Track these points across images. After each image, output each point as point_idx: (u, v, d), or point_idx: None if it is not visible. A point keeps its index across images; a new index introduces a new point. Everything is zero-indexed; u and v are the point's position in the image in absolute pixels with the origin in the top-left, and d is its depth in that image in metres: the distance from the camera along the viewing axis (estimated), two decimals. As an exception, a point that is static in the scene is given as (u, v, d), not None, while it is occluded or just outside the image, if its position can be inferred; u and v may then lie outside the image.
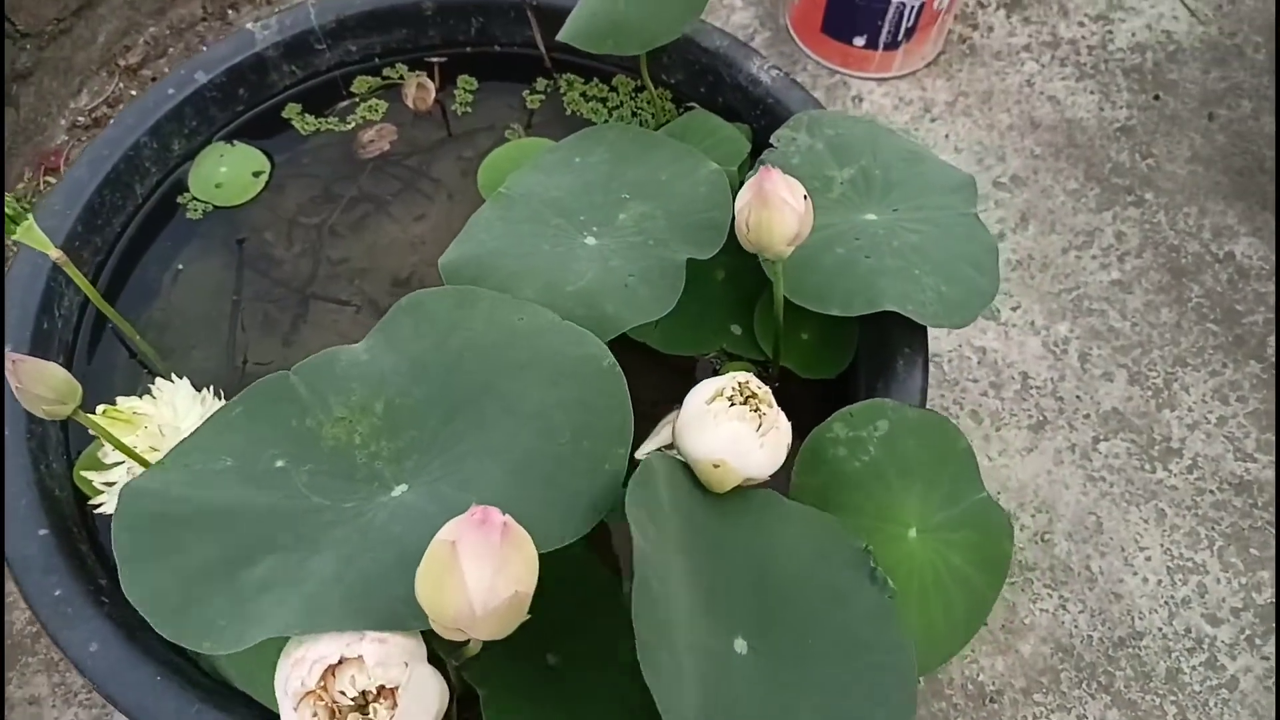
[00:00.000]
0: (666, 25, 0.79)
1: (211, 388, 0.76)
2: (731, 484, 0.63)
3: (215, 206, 0.93)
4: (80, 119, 1.48)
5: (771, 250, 0.66)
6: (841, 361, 0.84)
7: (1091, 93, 1.55)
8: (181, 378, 0.74)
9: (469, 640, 0.51)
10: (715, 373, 0.86)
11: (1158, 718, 1.10)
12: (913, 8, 1.42)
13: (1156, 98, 1.54)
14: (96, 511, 0.72)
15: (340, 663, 0.46)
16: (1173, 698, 1.11)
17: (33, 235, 0.68)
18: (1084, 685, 1.12)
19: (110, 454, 0.73)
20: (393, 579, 0.52)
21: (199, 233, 0.92)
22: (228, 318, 0.89)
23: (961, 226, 0.82)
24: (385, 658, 0.47)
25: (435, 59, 0.99)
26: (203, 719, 0.64)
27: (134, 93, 1.52)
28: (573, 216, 0.78)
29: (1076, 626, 1.15)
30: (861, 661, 0.61)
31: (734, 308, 0.86)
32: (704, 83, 0.96)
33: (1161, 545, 1.20)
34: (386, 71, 1.00)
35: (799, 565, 0.63)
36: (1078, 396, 1.30)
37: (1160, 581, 1.18)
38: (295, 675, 0.46)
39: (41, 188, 1.43)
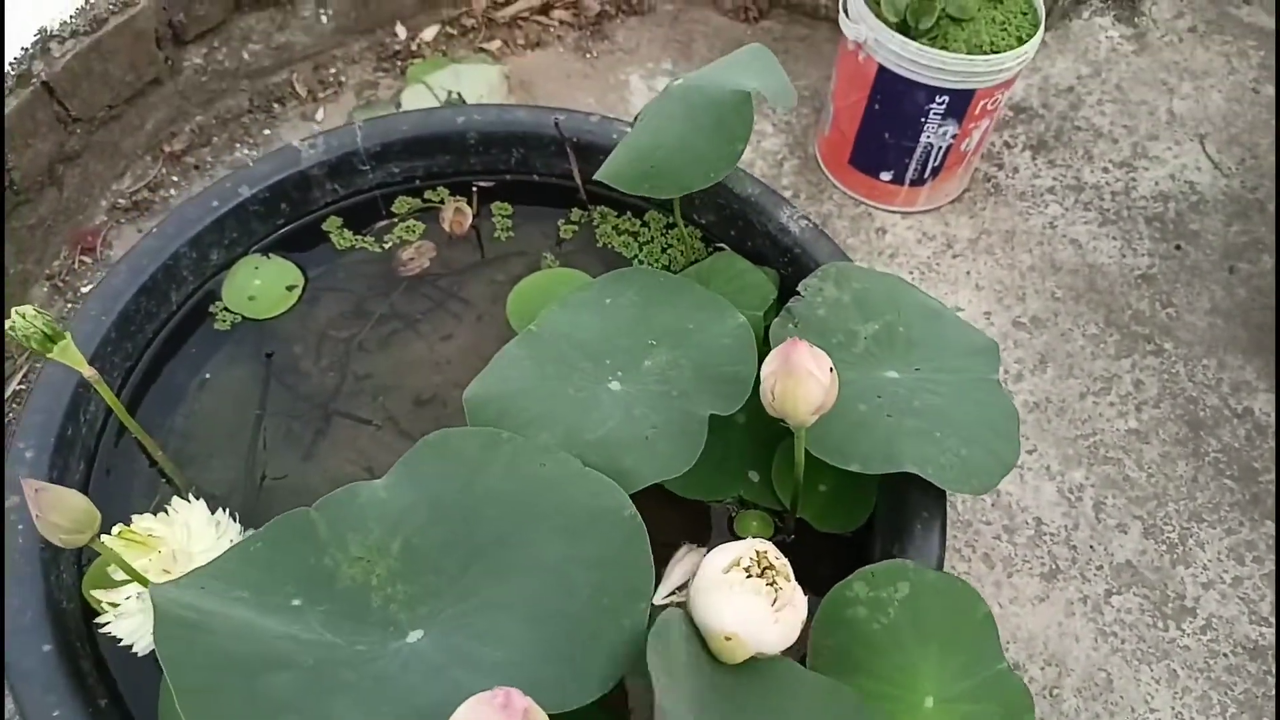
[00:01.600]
0: (701, 174, 0.81)
1: (226, 509, 0.76)
2: (742, 657, 0.62)
3: (245, 317, 0.94)
4: (121, 201, 1.52)
5: (795, 419, 0.67)
6: (859, 516, 0.84)
7: (1113, 238, 1.57)
8: (198, 498, 0.74)
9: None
10: (730, 519, 0.85)
11: None
12: (941, 148, 1.45)
13: (1178, 248, 1.55)
14: (102, 632, 0.72)
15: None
16: None
17: (69, 354, 0.69)
18: None
19: (120, 572, 0.72)
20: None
21: (228, 342, 0.93)
22: (249, 429, 0.89)
23: (983, 391, 0.82)
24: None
25: (481, 184, 1.01)
26: None
27: (175, 178, 1.56)
28: (599, 360, 0.79)
29: (1083, 789, 1.12)
30: None
31: (753, 454, 0.86)
32: (734, 226, 0.98)
33: (1172, 708, 1.17)
34: (427, 194, 1.02)
35: None
36: (1091, 546, 1.29)
37: (1170, 747, 1.15)
38: None
39: (76, 266, 1.46)
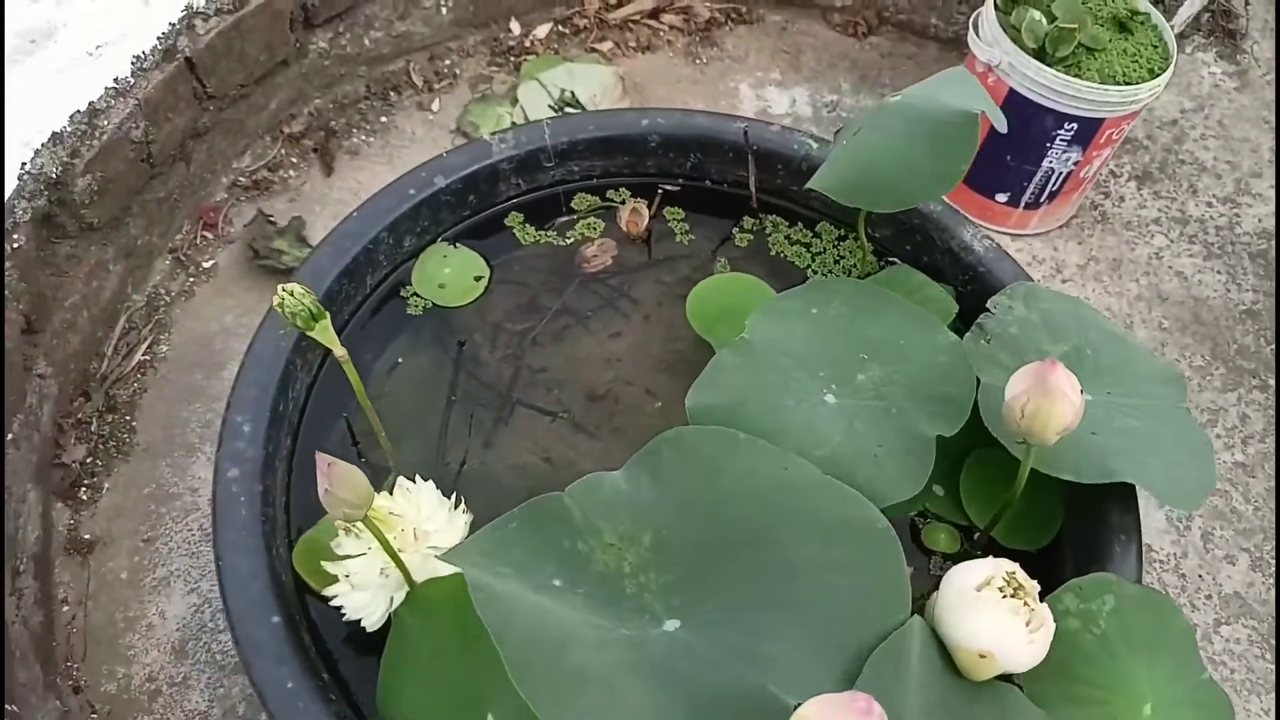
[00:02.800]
0: (921, 190, 0.82)
1: (454, 494, 0.77)
2: (992, 674, 0.63)
3: (435, 304, 0.95)
4: (241, 179, 1.53)
5: (1041, 438, 0.68)
6: (1047, 534, 0.85)
7: (1218, 272, 1.59)
8: (427, 480, 0.76)
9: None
10: (915, 531, 0.87)
11: None
12: (1061, 174, 1.46)
13: (1286, 286, 1.57)
14: (331, 603, 0.73)
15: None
16: None
17: (327, 334, 0.71)
18: None
19: (345, 546, 0.74)
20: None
21: (416, 327, 0.94)
22: (439, 414, 0.91)
23: (1175, 418, 0.84)
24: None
25: (667, 187, 1.03)
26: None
27: (294, 159, 1.57)
28: (813, 371, 0.80)
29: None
30: None
31: (939, 468, 0.87)
32: (911, 241, 0.99)
33: (1283, 740, 1.19)
34: (609, 194, 1.04)
35: None
36: (1200, 575, 1.30)
37: (1281, 778, 1.17)
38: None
39: (198, 241, 1.47)
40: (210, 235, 1.49)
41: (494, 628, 0.54)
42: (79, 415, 1.25)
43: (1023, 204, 1.52)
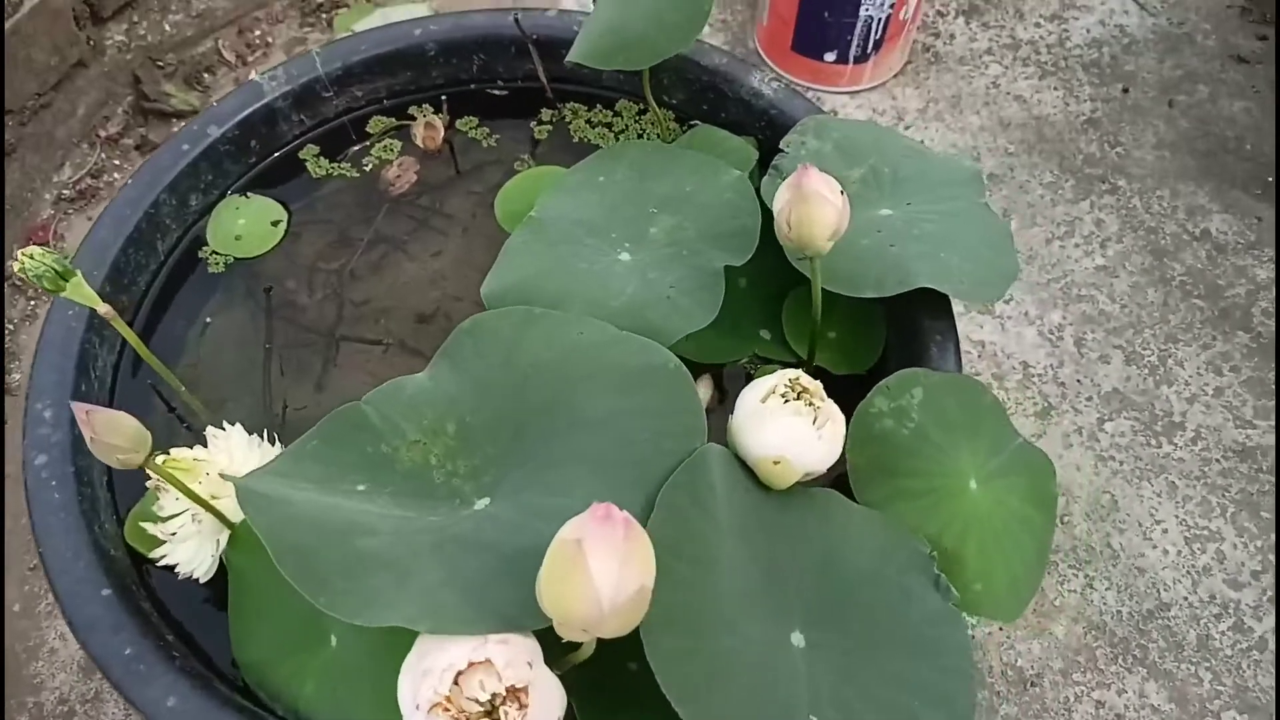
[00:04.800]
0: (674, 39, 0.81)
1: (264, 431, 0.76)
2: (792, 479, 0.64)
3: (236, 258, 0.93)
4: (65, 192, 1.48)
5: (813, 247, 0.68)
6: (872, 355, 0.86)
7: (1055, 89, 1.60)
8: (234, 424, 0.74)
9: (579, 646, 0.52)
10: (749, 378, 0.87)
11: (1194, 685, 1.12)
12: (880, 20, 1.46)
13: (1125, 91, 1.59)
14: (161, 564, 0.72)
15: (468, 668, 0.47)
16: (1206, 664, 1.13)
17: (81, 291, 0.68)
18: (1120, 660, 1.14)
19: (167, 507, 0.72)
20: (501, 583, 0.53)
21: (222, 285, 0.92)
22: (260, 367, 0.89)
23: (975, 214, 0.85)
24: (512, 658, 0.47)
25: (449, 93, 1.01)
26: (289, 762, 0.63)
27: (116, 162, 1.52)
28: (605, 234, 0.79)
29: (1105, 604, 1.18)
30: (927, 663, 0.61)
31: (761, 313, 0.87)
32: (705, 100, 0.98)
33: (1176, 517, 1.23)
34: (396, 113, 1.01)
35: (863, 562, 0.64)
36: (1078, 380, 1.33)
37: (1180, 552, 1.21)
38: (426, 685, 0.46)
39: (31, 263, 1.42)
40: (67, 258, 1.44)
41: (262, 522, 0.53)
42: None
43: (851, 59, 1.52)
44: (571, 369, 0.66)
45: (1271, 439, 1.28)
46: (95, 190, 1.50)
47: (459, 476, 0.63)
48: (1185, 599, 1.18)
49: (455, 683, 0.47)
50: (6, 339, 1.36)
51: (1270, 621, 1.15)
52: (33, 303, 1.40)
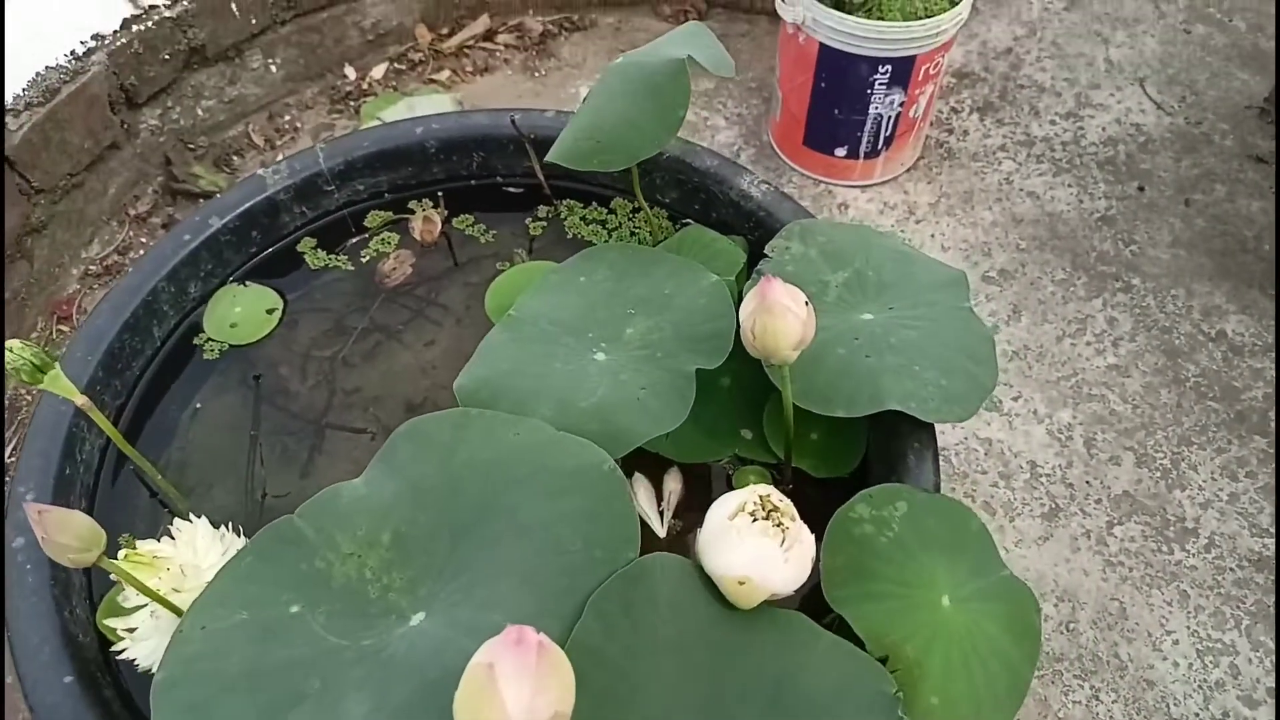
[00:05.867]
0: (646, 143, 0.83)
1: (230, 524, 0.77)
2: (757, 600, 0.63)
3: (231, 345, 0.95)
4: (92, 268, 1.53)
5: (778, 356, 0.68)
6: (852, 459, 0.85)
7: (1069, 186, 1.60)
8: (200, 517, 0.75)
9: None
10: (729, 478, 0.87)
11: (1205, 809, 1.07)
12: (890, 117, 1.48)
13: (1141, 189, 1.59)
14: (120, 658, 0.72)
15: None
16: (1218, 786, 1.08)
17: (59, 383, 0.70)
18: (1126, 779, 1.09)
19: (131, 598, 0.73)
20: (426, 708, 0.52)
21: (216, 371, 0.94)
22: (246, 453, 0.90)
23: (957, 320, 0.84)
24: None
25: (446, 189, 1.03)
26: None
27: (144, 239, 1.57)
28: (581, 334, 0.80)
29: (1112, 717, 1.13)
30: None
31: (743, 413, 0.87)
32: (697, 200, 1.00)
33: (1188, 628, 1.19)
34: (395, 207, 1.04)
35: (822, 695, 0.62)
36: (1087, 482, 1.30)
37: (1191, 665, 1.16)
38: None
39: (54, 336, 1.47)
40: (66, 328, 1.49)
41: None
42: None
43: (862, 154, 1.54)
44: (507, 471, 0.66)
45: (1289, 549, 1.24)
46: (121, 266, 1.54)
47: (395, 590, 0.63)
48: (1196, 715, 1.13)
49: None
50: (22, 410, 1.40)
51: (1286, 744, 1.10)
52: (53, 375, 1.44)
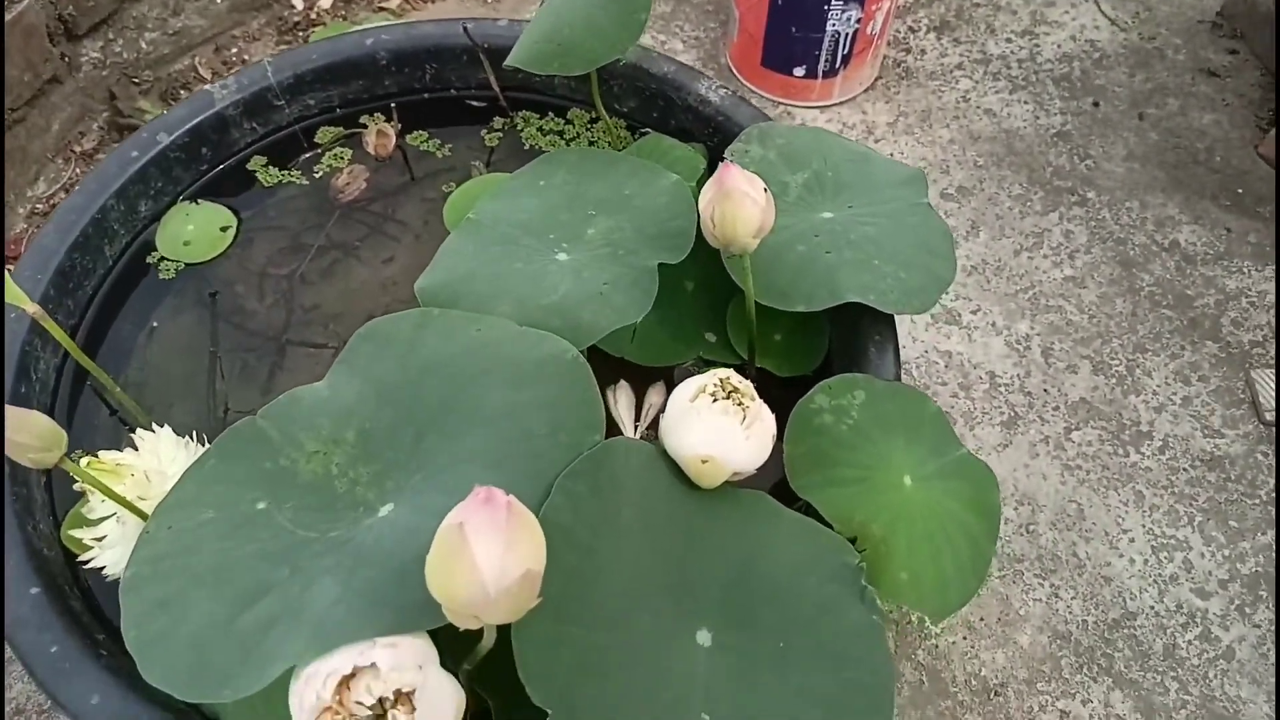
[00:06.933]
0: (608, 47, 0.82)
1: (194, 433, 0.76)
2: (720, 478, 0.64)
3: (186, 264, 0.93)
4: (39, 206, 1.49)
5: (737, 243, 0.69)
6: (815, 358, 0.86)
7: (1025, 103, 1.61)
8: (162, 426, 0.74)
9: (482, 639, 0.52)
10: (693, 380, 0.87)
11: (1160, 694, 1.11)
12: (847, 35, 1.47)
13: (1096, 105, 1.60)
14: (87, 567, 0.72)
15: (354, 674, 0.46)
16: (1173, 673, 1.12)
17: (11, 293, 0.69)
18: (1085, 670, 1.13)
19: (97, 509, 0.72)
20: (396, 588, 0.53)
21: (172, 291, 0.92)
22: (205, 371, 0.89)
23: (915, 216, 0.85)
24: (398, 662, 0.47)
25: (400, 102, 1.01)
26: (210, 759, 0.63)
27: (91, 177, 1.53)
28: (542, 236, 0.80)
29: (1070, 613, 1.16)
30: (841, 676, 0.60)
31: (706, 316, 0.87)
32: (655, 108, 0.99)
33: (1143, 526, 1.22)
34: (348, 121, 1.02)
35: (785, 569, 0.63)
36: (1045, 390, 1.33)
37: (1146, 561, 1.20)
38: (309, 691, 0.46)
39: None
40: (13, 268, 1.45)
41: (150, 665, 0.54)
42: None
43: (820, 74, 1.53)
44: (470, 366, 0.65)
45: (1240, 448, 1.27)
46: (69, 205, 1.51)
47: (362, 485, 0.62)
48: (1152, 608, 1.17)
49: (346, 687, 0.47)
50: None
51: (1237, 630, 1.14)
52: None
